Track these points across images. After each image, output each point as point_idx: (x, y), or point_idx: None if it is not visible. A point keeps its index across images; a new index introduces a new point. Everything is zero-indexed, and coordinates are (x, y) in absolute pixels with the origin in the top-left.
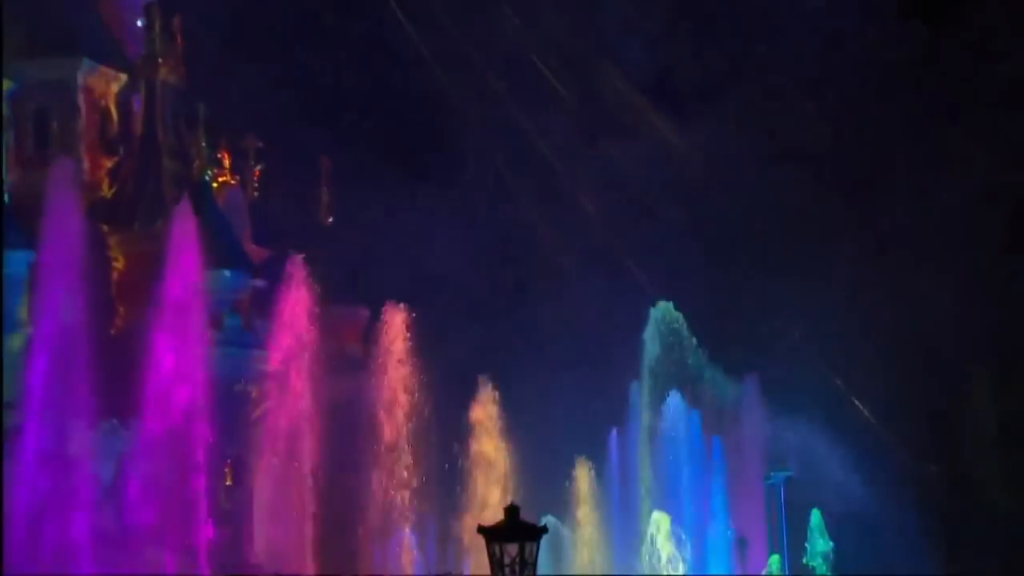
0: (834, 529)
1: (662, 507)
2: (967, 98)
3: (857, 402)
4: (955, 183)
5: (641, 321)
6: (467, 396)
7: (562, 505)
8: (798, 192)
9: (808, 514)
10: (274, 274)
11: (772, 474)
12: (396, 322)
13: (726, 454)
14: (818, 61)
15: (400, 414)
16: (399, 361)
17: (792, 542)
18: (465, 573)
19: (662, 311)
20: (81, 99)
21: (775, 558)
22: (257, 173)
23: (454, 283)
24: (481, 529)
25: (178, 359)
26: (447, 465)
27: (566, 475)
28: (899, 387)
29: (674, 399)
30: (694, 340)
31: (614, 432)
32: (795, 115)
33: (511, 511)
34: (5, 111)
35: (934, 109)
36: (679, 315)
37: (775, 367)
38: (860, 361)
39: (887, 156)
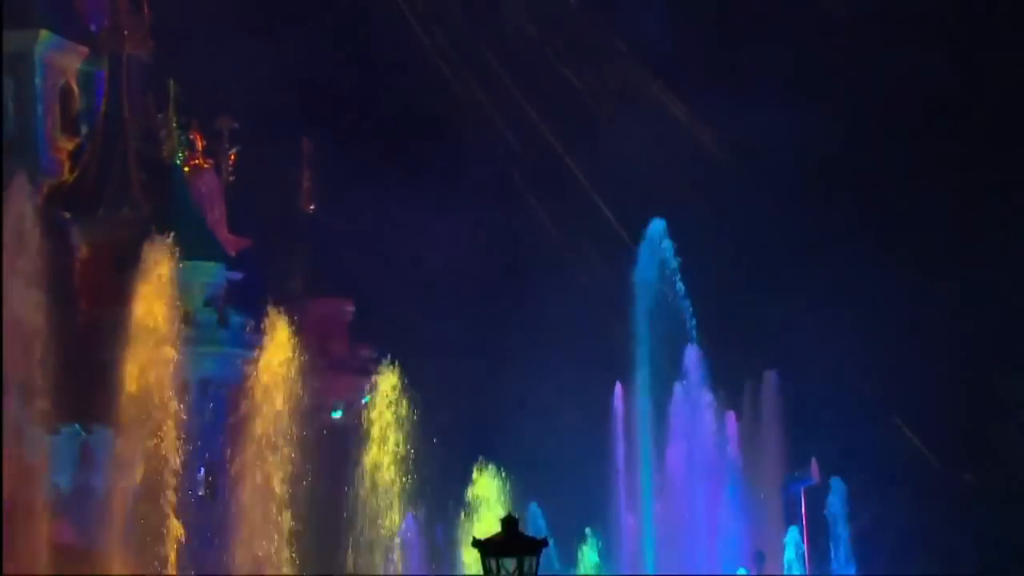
0: (862, 541)
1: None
2: (995, 98)
3: (886, 407)
4: (992, 185)
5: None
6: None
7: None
8: (828, 189)
9: (831, 526)
10: (251, 266)
11: (792, 481)
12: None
13: (741, 461)
14: (847, 60)
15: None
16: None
17: (815, 557)
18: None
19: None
20: (39, 75)
21: (792, 530)
22: (233, 156)
23: (449, 280)
24: (476, 542)
25: (148, 358)
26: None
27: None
28: (932, 393)
29: (691, 352)
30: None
31: (618, 388)
32: (819, 112)
33: (508, 522)
34: None
35: (960, 110)
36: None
37: (795, 367)
38: (891, 365)
39: (920, 157)
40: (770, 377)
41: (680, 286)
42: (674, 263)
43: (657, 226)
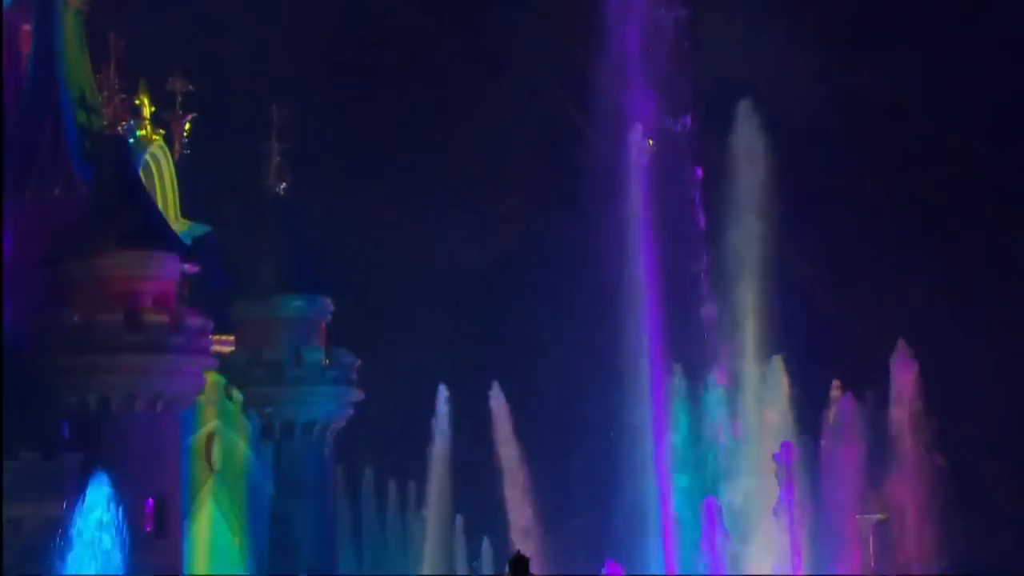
0: None
1: None
2: None
3: (973, 425)
4: None
5: None
6: None
7: None
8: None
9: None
10: (210, 257)
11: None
12: None
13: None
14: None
15: None
16: None
17: None
18: None
19: None
20: None
21: None
22: (187, 125)
23: (444, 273)
24: None
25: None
26: None
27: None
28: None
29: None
30: None
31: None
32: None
33: (518, 564)
34: None
35: None
36: None
37: (871, 380)
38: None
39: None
40: (843, 401)
41: None
42: None
43: None
